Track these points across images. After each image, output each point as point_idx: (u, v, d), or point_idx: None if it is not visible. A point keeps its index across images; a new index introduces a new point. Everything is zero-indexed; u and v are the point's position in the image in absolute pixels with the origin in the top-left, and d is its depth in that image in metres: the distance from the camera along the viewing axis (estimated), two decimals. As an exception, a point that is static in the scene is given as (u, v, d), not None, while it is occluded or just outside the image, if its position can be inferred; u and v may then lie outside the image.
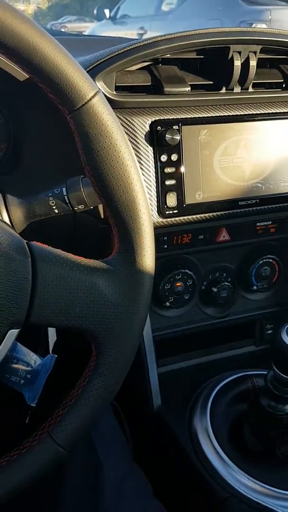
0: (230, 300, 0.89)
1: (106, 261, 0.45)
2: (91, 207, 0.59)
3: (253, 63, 0.68)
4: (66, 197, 0.49)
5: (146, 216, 0.44)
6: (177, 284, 0.82)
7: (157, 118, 0.67)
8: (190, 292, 0.83)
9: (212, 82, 0.70)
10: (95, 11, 6.85)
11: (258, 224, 0.84)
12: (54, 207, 0.49)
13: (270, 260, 0.87)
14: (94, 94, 0.40)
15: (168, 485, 0.77)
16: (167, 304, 0.82)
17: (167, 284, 0.81)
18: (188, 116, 0.69)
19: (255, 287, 0.88)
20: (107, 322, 0.44)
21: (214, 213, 0.74)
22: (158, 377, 0.84)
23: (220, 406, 0.75)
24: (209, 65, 0.70)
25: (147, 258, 0.45)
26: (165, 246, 0.78)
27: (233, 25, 3.79)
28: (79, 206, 0.51)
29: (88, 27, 7.49)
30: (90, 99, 0.40)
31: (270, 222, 0.85)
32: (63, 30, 7.29)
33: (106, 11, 6.20)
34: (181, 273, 0.81)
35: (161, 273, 0.81)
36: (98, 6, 6.93)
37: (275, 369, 0.61)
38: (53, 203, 0.49)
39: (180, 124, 0.68)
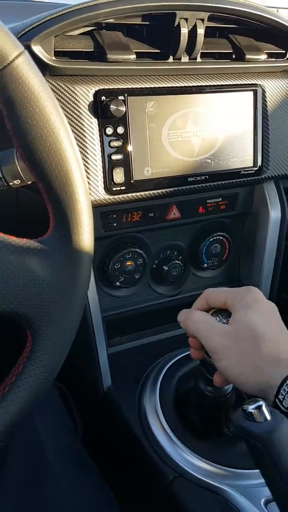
0: (181, 278, 0.88)
1: (40, 240, 0.42)
2: (29, 183, 0.55)
3: (200, 31, 0.65)
4: None
5: (83, 191, 0.41)
6: (127, 264, 0.79)
7: (101, 88, 0.63)
8: (140, 271, 0.81)
9: (158, 51, 0.67)
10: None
11: (208, 201, 0.82)
12: None
13: (220, 238, 0.86)
14: (18, 54, 0.36)
15: (116, 466, 0.76)
16: (117, 284, 0.80)
17: (117, 264, 0.79)
18: (134, 86, 0.65)
19: (205, 265, 0.87)
20: (43, 306, 0.41)
21: (163, 190, 0.72)
22: (109, 357, 0.83)
23: (170, 385, 0.74)
24: (156, 32, 0.67)
25: (85, 236, 0.42)
26: (114, 224, 0.75)
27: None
28: (15, 181, 0.47)
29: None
30: (14, 59, 0.35)
31: (220, 199, 0.83)
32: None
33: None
34: (131, 252, 0.79)
35: (110, 253, 0.79)
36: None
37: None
38: None
39: (126, 95, 0.65)
